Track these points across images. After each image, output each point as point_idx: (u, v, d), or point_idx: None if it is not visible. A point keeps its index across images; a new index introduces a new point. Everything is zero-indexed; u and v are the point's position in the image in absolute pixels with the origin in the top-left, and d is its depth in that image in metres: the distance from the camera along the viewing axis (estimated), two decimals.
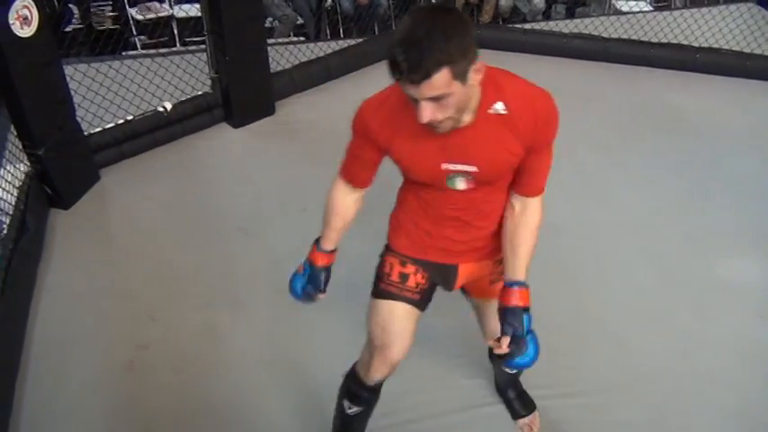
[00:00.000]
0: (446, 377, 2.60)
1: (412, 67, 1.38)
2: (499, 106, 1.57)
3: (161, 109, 3.76)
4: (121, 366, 2.62)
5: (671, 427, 2.47)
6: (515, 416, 2.43)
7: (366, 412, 2.12)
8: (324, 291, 1.96)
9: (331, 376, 2.43)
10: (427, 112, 1.46)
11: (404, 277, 1.89)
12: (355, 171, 1.81)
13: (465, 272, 1.90)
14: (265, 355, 2.67)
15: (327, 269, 1.95)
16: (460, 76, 1.43)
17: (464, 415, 2.47)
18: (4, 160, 3.20)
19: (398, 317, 1.89)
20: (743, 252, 3.21)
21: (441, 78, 1.40)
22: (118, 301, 2.87)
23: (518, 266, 1.74)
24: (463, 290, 2.03)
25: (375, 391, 2.05)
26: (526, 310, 1.73)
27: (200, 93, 3.94)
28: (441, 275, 1.91)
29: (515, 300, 1.72)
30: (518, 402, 2.44)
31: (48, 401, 2.48)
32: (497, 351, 1.73)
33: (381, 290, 1.91)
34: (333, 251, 1.94)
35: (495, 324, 1.85)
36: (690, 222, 3.38)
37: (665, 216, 3.41)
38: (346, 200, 1.86)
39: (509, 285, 1.74)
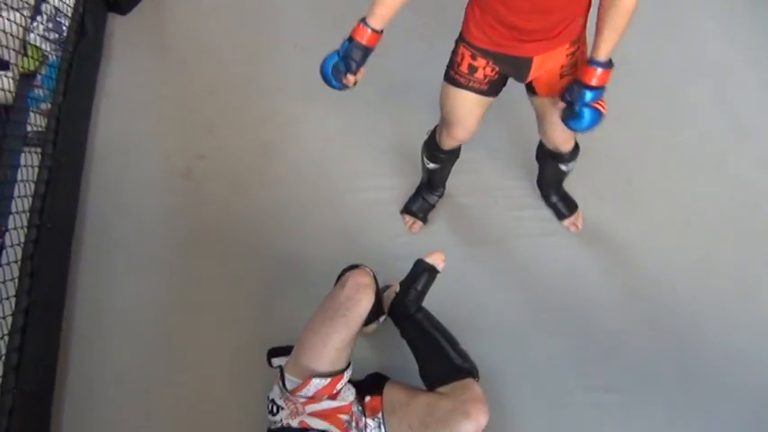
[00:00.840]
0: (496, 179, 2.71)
1: None
2: None
3: None
4: (180, 173, 2.70)
5: (718, 269, 2.48)
6: (560, 216, 2.58)
7: (444, 167, 2.38)
8: (355, 73, 1.82)
9: (379, 193, 2.50)
10: None
11: (472, 69, 1.93)
12: None
13: (539, 63, 1.88)
14: (317, 172, 2.72)
15: (366, 49, 1.80)
16: None
17: (514, 214, 2.61)
18: None
19: (464, 103, 2.02)
20: None
21: None
22: (176, 111, 2.91)
23: (602, 47, 1.75)
24: (529, 88, 2.02)
25: (450, 153, 2.28)
26: (594, 88, 1.79)
27: None
28: (513, 68, 1.92)
29: (587, 77, 1.79)
30: (562, 204, 2.57)
31: (110, 200, 2.61)
32: (556, 108, 1.92)
33: (451, 77, 2.00)
34: (379, 32, 1.79)
35: (553, 131, 2.07)
36: None
37: (747, 60, 3.17)
38: None
39: (587, 63, 1.79)
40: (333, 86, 1.87)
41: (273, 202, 2.62)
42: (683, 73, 3.08)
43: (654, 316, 2.35)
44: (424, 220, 2.55)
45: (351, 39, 1.80)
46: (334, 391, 1.77)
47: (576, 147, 2.27)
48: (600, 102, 1.82)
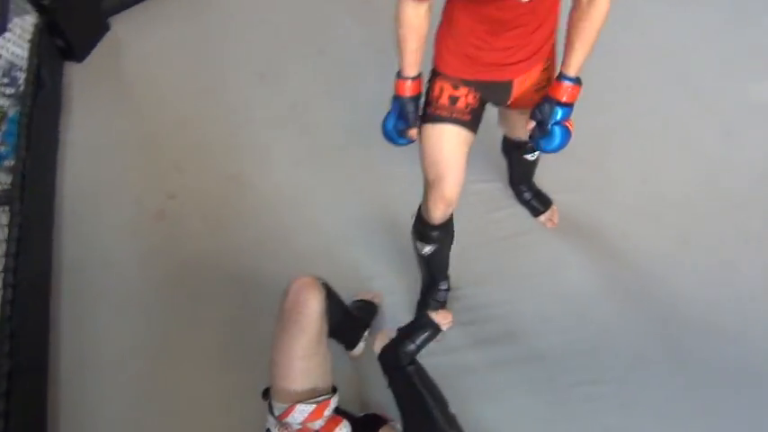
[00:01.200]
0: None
1: None
2: None
3: None
4: (152, 215, 2.69)
5: (697, 248, 2.49)
6: (535, 213, 2.58)
7: (441, 249, 2.17)
8: (416, 124, 1.90)
9: (359, 210, 2.51)
10: None
11: (453, 100, 1.89)
12: None
13: (518, 85, 1.89)
14: (292, 198, 2.71)
15: (416, 99, 1.87)
16: None
17: (490, 216, 2.61)
18: (10, 14, 3.11)
19: (448, 142, 1.90)
20: None
21: None
22: (143, 152, 2.90)
23: (572, 61, 1.77)
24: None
25: (443, 227, 2.07)
26: (565, 104, 1.80)
27: None
28: (494, 93, 1.91)
29: (558, 93, 1.80)
30: (536, 201, 2.57)
31: (84, 250, 2.59)
32: (527, 128, 1.88)
33: (430, 115, 1.90)
34: (418, 77, 1.85)
35: (514, 130, 2.07)
36: (725, 44, 3.19)
37: (701, 38, 3.22)
38: (418, 14, 1.75)
39: (557, 79, 1.80)
40: (399, 144, 1.95)
41: (250, 234, 2.61)
42: (640, 59, 3.12)
43: (636, 303, 2.36)
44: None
45: (398, 96, 1.86)
46: (324, 416, 1.76)
47: None
48: (569, 120, 1.84)
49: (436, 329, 1.87)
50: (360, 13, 3.26)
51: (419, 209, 2.10)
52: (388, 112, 1.91)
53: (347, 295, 2.07)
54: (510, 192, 2.64)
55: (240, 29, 3.43)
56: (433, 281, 2.33)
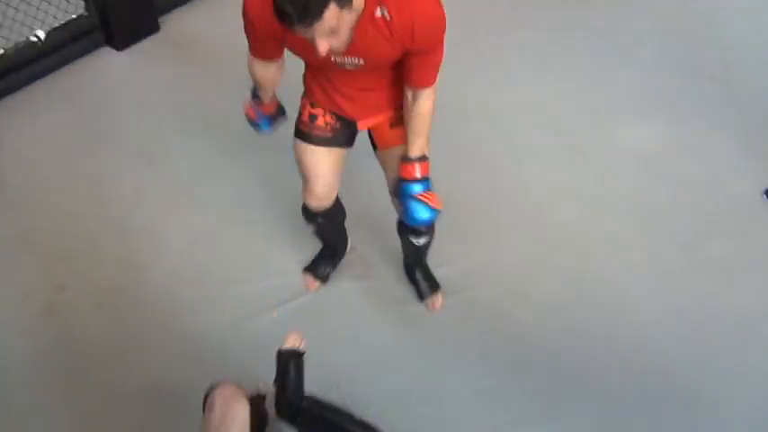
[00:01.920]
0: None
1: (301, 14, 1.44)
2: (380, 12, 1.64)
3: (33, 39, 3.47)
4: (40, 310, 2.53)
5: (587, 285, 2.64)
6: (421, 296, 2.57)
7: (325, 227, 2.40)
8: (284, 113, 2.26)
9: (264, 282, 2.50)
10: (324, 46, 1.55)
11: (312, 117, 2.07)
12: (262, 50, 1.89)
13: (365, 124, 2.08)
14: (192, 277, 2.65)
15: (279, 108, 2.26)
16: (346, 4, 1.50)
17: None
18: None
19: (312, 154, 2.11)
20: (642, 119, 3.34)
21: (330, 14, 1.46)
22: (25, 247, 2.74)
23: (413, 146, 1.96)
24: (372, 143, 2.16)
25: (323, 214, 2.30)
26: (414, 181, 1.97)
27: (74, 16, 3.64)
28: (345, 122, 2.07)
29: (403, 173, 1.98)
30: (424, 284, 2.56)
31: None
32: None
33: (297, 130, 2.13)
34: (272, 102, 2.20)
35: (387, 170, 2.15)
36: (591, 96, 3.46)
37: (565, 92, 3.49)
38: (268, 71, 1.99)
39: (403, 161, 1.98)
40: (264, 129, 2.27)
41: (150, 318, 2.50)
42: (515, 115, 3.34)
43: (531, 350, 2.46)
44: (325, 280, 2.61)
45: (266, 115, 2.23)
46: None
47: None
48: (427, 194, 1.99)
49: (298, 355, 1.90)
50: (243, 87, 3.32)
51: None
52: (255, 120, 2.24)
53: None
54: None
55: (120, 112, 3.35)
56: (327, 248, 2.59)
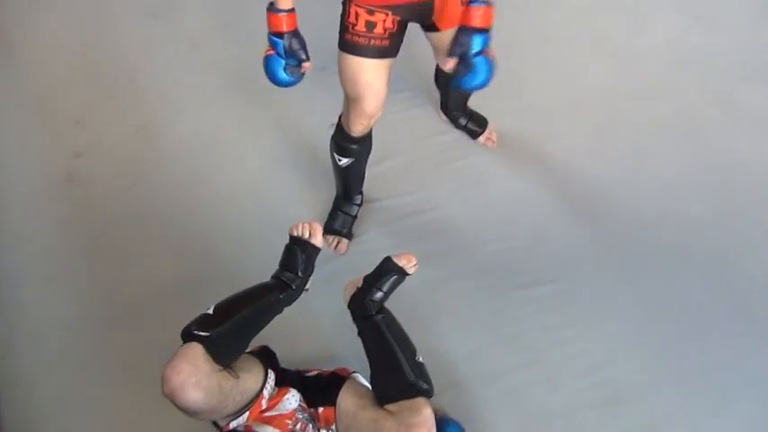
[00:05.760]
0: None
1: None
2: None
3: None
4: (60, 178, 2.53)
5: (608, 143, 2.57)
6: (473, 135, 2.55)
7: (359, 162, 2.17)
8: (308, 58, 1.76)
9: (278, 144, 2.45)
10: None
11: (371, 25, 1.79)
12: None
13: (440, 1, 1.80)
14: (207, 140, 2.61)
15: (296, 32, 1.74)
16: None
17: (430, 141, 2.57)
18: None
19: (368, 69, 1.84)
20: None
21: None
22: (40, 113, 2.70)
23: None
24: (428, 27, 1.91)
25: (362, 141, 2.07)
26: (482, 30, 1.67)
27: None
28: (414, 13, 1.81)
29: (471, 19, 1.66)
30: (472, 123, 2.54)
31: None
32: (445, 68, 1.72)
33: (347, 42, 1.82)
34: (292, 9, 1.73)
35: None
36: None
37: None
38: None
39: (470, 3, 1.66)
40: (294, 83, 1.81)
41: (169, 184, 2.50)
42: None
43: (563, 202, 2.43)
44: (350, 236, 2.34)
45: (276, 33, 1.72)
46: (264, 408, 1.69)
47: None
48: (489, 49, 1.71)
49: (402, 273, 1.86)
50: None
51: (339, 120, 2.08)
52: (268, 56, 1.76)
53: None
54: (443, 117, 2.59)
55: None
56: (347, 193, 2.32)
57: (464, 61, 1.70)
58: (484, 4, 1.65)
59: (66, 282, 2.29)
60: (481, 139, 2.56)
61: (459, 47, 1.68)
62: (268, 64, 1.77)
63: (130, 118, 2.68)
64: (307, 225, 1.89)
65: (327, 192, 2.39)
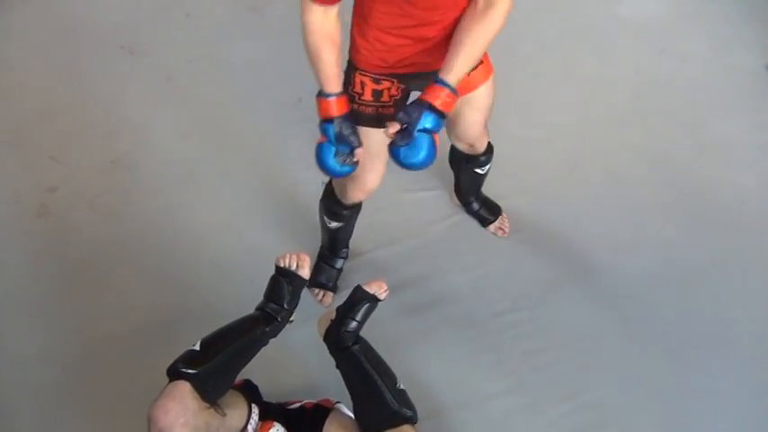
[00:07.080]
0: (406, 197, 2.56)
1: None
2: None
3: None
4: (33, 212, 2.50)
5: (585, 168, 2.62)
6: (484, 223, 2.45)
7: (349, 224, 2.14)
8: (360, 144, 1.67)
9: (254, 180, 2.44)
10: None
11: (377, 94, 1.75)
12: None
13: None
14: (182, 174, 2.60)
15: (348, 116, 1.67)
16: None
17: (436, 226, 2.49)
18: None
19: (377, 140, 1.74)
20: None
21: None
22: (12, 149, 2.67)
23: (454, 67, 1.59)
24: None
25: (354, 207, 2.04)
26: (436, 111, 1.59)
27: None
28: (420, 81, 1.69)
29: (432, 97, 1.59)
30: (484, 210, 2.44)
31: None
32: (386, 134, 1.64)
33: (354, 112, 1.72)
34: (341, 93, 1.66)
35: (466, 128, 1.96)
36: None
37: None
38: (328, 22, 1.57)
39: (434, 81, 1.60)
40: (347, 173, 1.74)
41: (144, 217, 2.49)
42: None
43: (538, 230, 2.46)
44: (335, 289, 2.28)
45: (327, 120, 1.65)
46: None
47: (490, 145, 2.16)
48: (436, 135, 1.63)
49: (374, 300, 1.85)
50: None
51: (329, 184, 2.03)
52: (319, 143, 1.69)
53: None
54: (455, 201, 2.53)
55: (97, 3, 3.18)
56: (333, 249, 2.28)
57: (406, 132, 1.61)
58: (450, 90, 1.59)
59: (44, 317, 2.26)
60: (491, 227, 2.44)
61: (406, 115, 1.61)
62: (319, 152, 1.70)
63: (105, 152, 2.66)
64: (294, 256, 1.86)
65: (303, 224, 2.40)
